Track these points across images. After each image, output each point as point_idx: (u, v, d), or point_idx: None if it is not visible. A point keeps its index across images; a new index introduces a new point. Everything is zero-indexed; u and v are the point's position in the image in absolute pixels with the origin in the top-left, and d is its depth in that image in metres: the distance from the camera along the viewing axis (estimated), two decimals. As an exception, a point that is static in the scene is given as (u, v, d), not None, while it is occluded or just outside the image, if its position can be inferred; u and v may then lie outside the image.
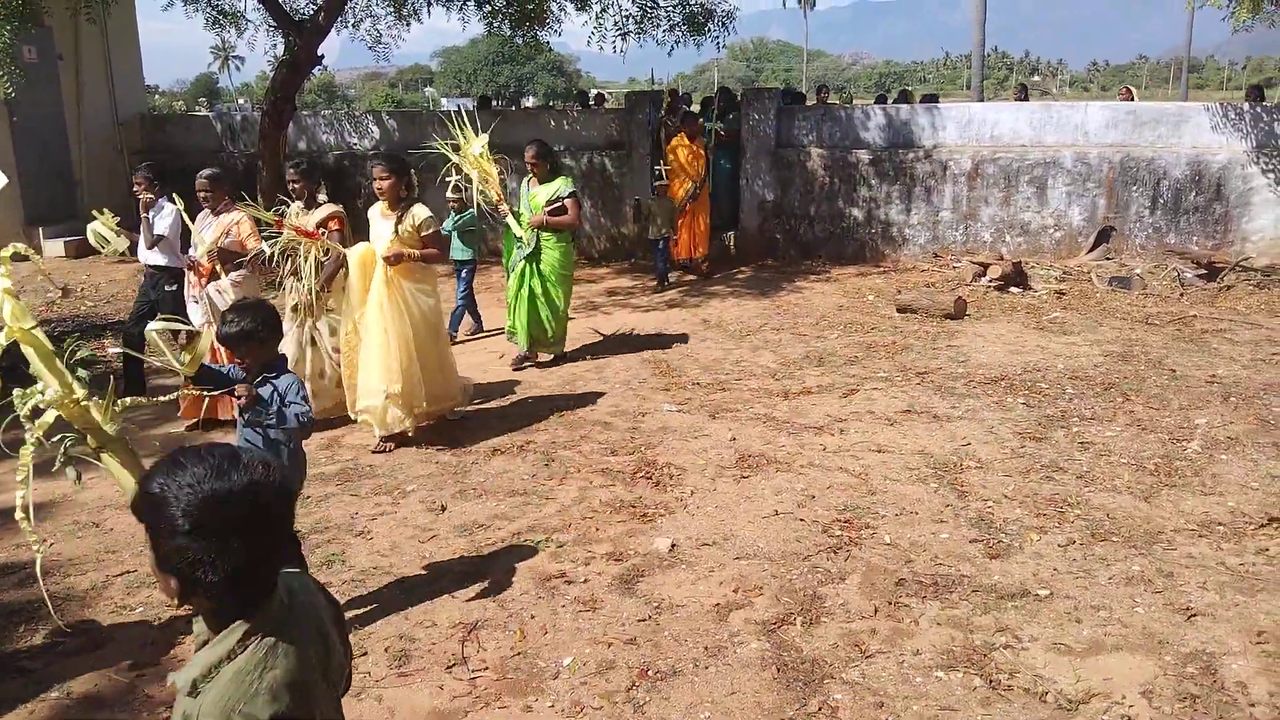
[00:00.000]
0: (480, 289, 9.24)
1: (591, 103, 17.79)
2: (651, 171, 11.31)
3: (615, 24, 11.98)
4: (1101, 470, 5.31)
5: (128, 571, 4.38)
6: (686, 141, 10.76)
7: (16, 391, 3.07)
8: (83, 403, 3.13)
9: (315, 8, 11.72)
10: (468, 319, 8.59)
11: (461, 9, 12.32)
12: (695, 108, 15.00)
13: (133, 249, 6.25)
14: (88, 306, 9.93)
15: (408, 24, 12.76)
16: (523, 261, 7.28)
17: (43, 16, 10.18)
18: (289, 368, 3.81)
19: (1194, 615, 3.85)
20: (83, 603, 4.12)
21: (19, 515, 3.05)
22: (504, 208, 7.12)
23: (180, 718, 1.60)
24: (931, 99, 14.26)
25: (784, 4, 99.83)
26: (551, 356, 7.59)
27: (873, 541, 4.52)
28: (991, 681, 3.44)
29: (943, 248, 11.20)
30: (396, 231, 5.75)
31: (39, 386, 3.09)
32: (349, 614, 3.97)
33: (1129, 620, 3.82)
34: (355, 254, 5.89)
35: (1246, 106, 10.46)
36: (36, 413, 3.08)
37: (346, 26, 12.61)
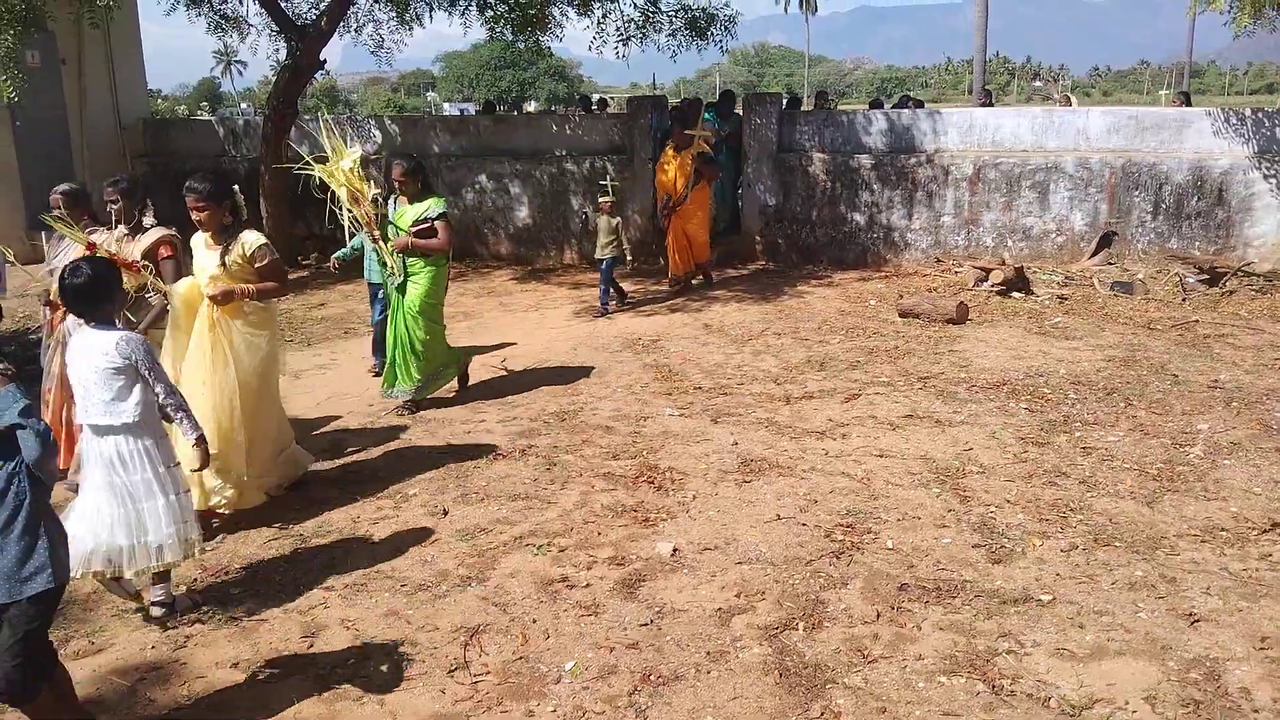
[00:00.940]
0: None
1: (594, 107, 17.82)
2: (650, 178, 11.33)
3: (617, 29, 12.01)
4: (1104, 475, 5.30)
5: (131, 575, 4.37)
6: (670, 154, 10.12)
7: None
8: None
9: (318, 12, 11.76)
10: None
11: (464, 14, 12.34)
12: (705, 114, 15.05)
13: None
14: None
15: (410, 29, 12.77)
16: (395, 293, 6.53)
17: (46, 21, 10.21)
18: None
19: (1197, 621, 3.84)
20: (85, 605, 4.12)
21: None
22: (375, 233, 6.35)
23: None
24: (918, 106, 14.31)
25: (785, 9, 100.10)
26: (409, 398, 6.57)
27: (875, 546, 4.52)
28: (994, 687, 3.44)
29: (945, 253, 11.20)
30: (224, 264, 4.82)
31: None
32: (351, 616, 3.97)
33: (1132, 626, 3.82)
34: (179, 290, 4.88)
35: (1249, 111, 10.45)
36: None
37: (349, 31, 12.64)
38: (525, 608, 4.03)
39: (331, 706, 3.40)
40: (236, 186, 5.06)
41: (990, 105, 17.22)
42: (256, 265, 4.90)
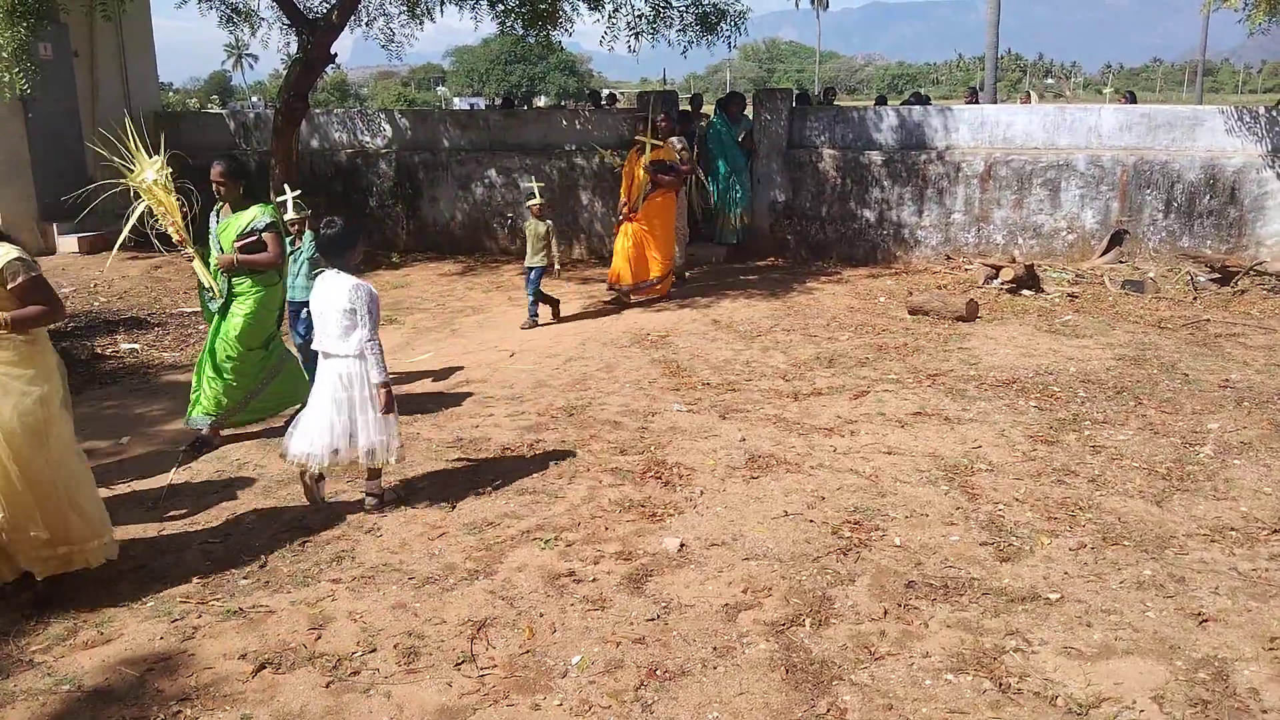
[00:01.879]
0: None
1: (604, 103, 17.81)
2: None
3: (628, 24, 12.00)
4: (1113, 474, 5.28)
5: (139, 566, 4.39)
6: (632, 157, 9.68)
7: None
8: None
9: (329, 6, 11.76)
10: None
11: (474, 8, 12.35)
12: (708, 108, 15.00)
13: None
14: (101, 302, 9.98)
15: (420, 23, 12.80)
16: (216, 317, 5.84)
17: (59, 14, 10.24)
18: None
19: (1206, 620, 3.83)
20: (93, 596, 4.13)
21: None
22: (189, 250, 5.70)
23: None
24: (924, 102, 14.26)
25: (797, 5, 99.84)
26: (208, 427, 5.83)
27: (882, 543, 4.51)
28: (1001, 685, 3.43)
29: (955, 250, 11.17)
30: None
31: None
32: (358, 609, 3.98)
33: (1140, 625, 3.80)
34: None
35: (1263, 110, 10.39)
36: None
37: (360, 25, 12.65)
38: (532, 602, 4.04)
39: (338, 699, 3.41)
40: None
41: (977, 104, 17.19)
42: (10, 286, 3.92)
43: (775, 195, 11.74)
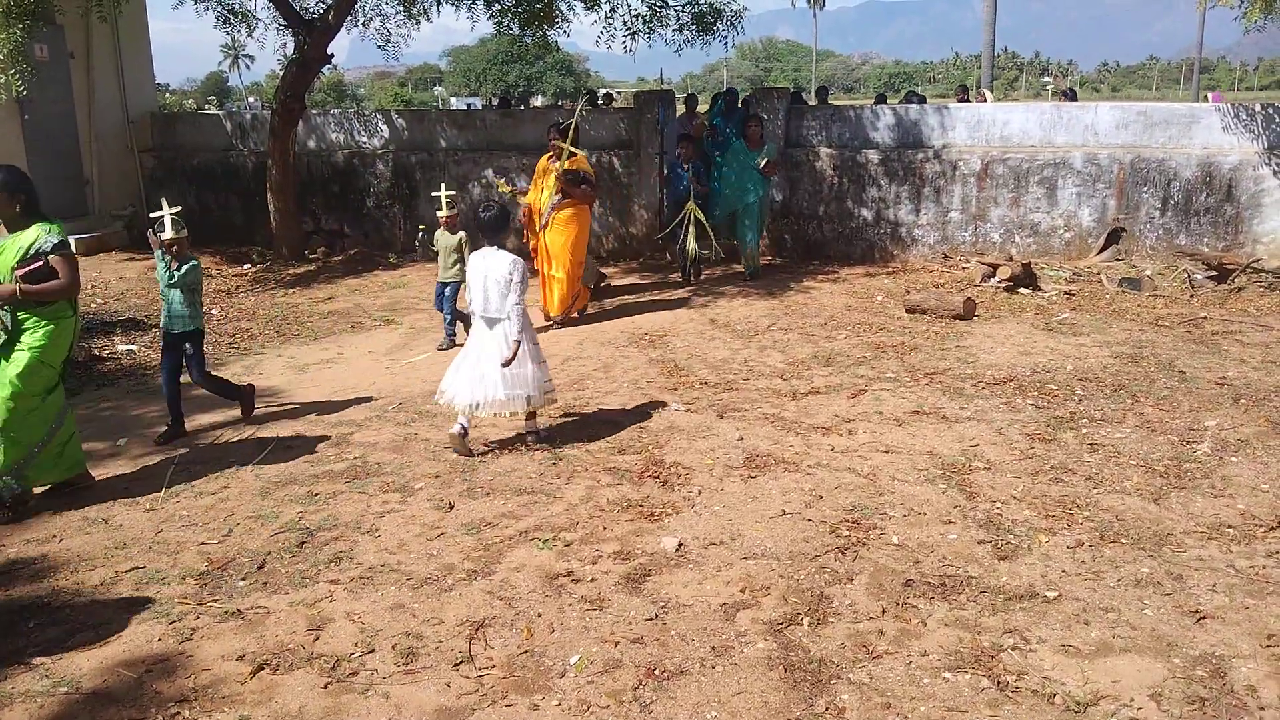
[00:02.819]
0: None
1: (600, 102, 17.81)
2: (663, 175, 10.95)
3: (624, 23, 12.01)
4: (1111, 472, 5.29)
5: (137, 567, 4.39)
6: (542, 165, 8.80)
7: None
8: None
9: (325, 6, 11.76)
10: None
11: (470, 8, 12.35)
12: (703, 106, 14.97)
13: None
14: (98, 304, 9.97)
15: (417, 23, 12.80)
16: None
17: (54, 15, 10.23)
18: None
19: (1203, 618, 3.83)
20: (92, 597, 4.13)
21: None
22: None
23: None
24: (920, 99, 14.24)
25: (793, 4, 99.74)
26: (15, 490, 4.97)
27: (880, 542, 4.51)
28: (999, 683, 3.43)
29: (952, 248, 11.18)
30: None
31: None
32: (356, 610, 3.98)
33: (1138, 622, 3.81)
34: None
35: (1259, 107, 10.40)
36: None
37: (356, 25, 12.65)
38: (530, 602, 4.04)
39: (337, 699, 3.41)
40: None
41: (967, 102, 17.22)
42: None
43: (772, 194, 11.74)
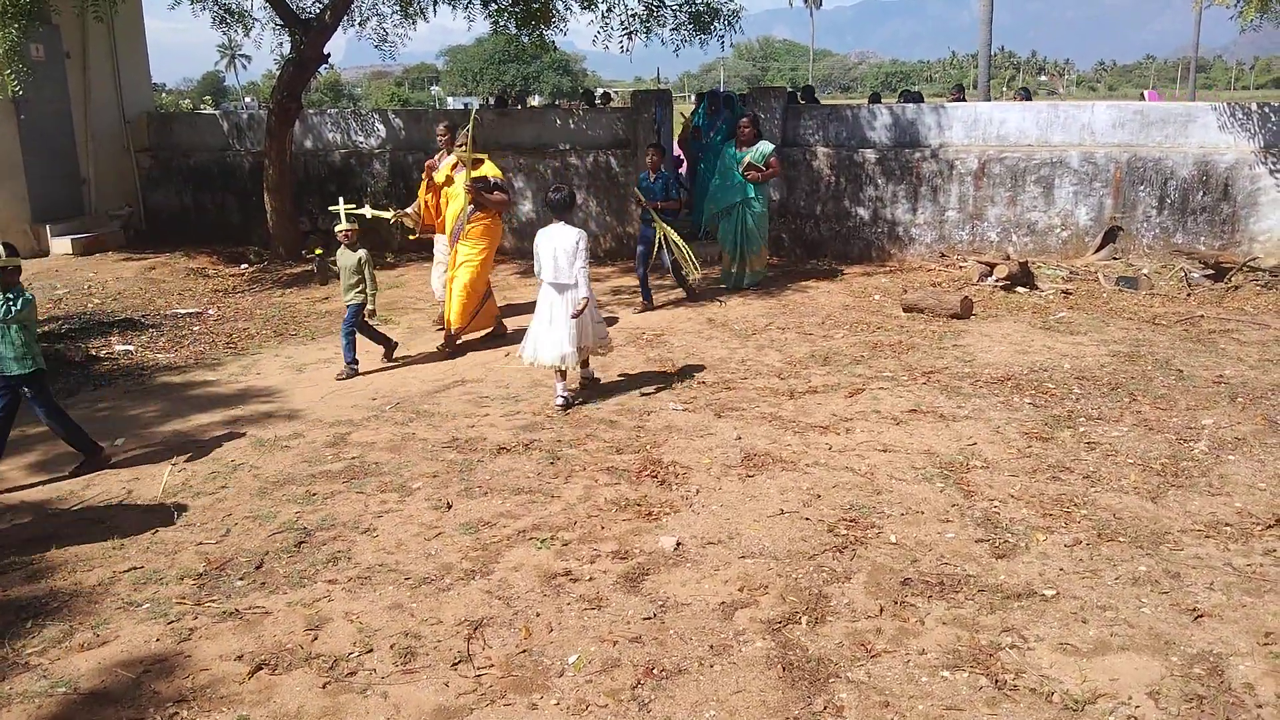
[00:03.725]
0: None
1: (598, 101, 17.80)
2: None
3: (621, 23, 11.98)
4: (1108, 470, 5.30)
5: (135, 568, 4.39)
6: (446, 167, 8.20)
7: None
8: None
9: (322, 6, 11.75)
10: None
11: (467, 7, 12.33)
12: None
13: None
14: (94, 304, 9.95)
15: (414, 23, 12.77)
16: None
17: (51, 15, 10.21)
18: None
19: (1201, 616, 3.84)
20: (90, 598, 4.13)
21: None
22: None
23: None
24: (917, 97, 14.22)
25: (790, 3, 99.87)
26: None
27: (878, 541, 4.52)
28: (997, 681, 3.44)
29: (949, 247, 11.18)
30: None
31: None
32: (355, 609, 3.98)
33: (1135, 621, 3.81)
34: None
35: (1255, 106, 10.42)
36: None
37: (353, 25, 12.63)
38: (529, 601, 4.04)
39: (335, 699, 3.41)
40: None
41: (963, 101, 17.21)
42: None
43: (770, 194, 11.74)
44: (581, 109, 13.82)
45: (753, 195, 9.72)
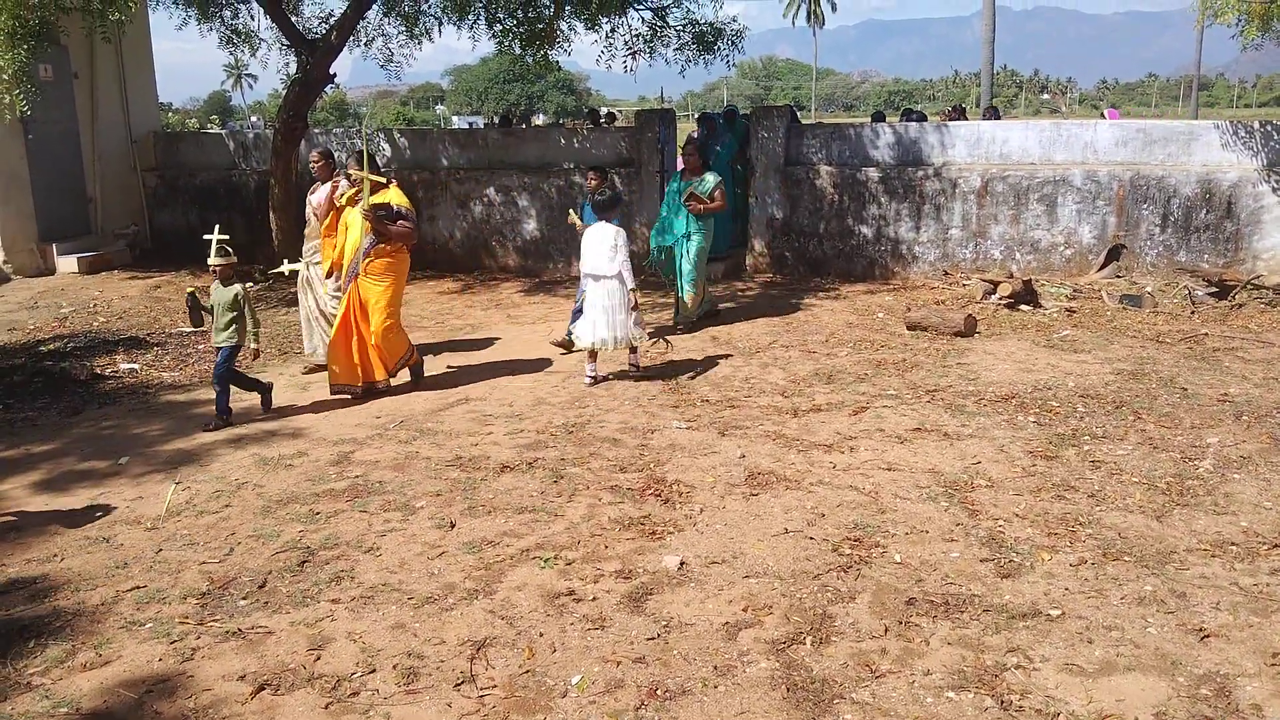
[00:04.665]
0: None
1: (603, 120, 17.87)
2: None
3: (625, 43, 12.05)
4: (1113, 489, 5.28)
5: (138, 587, 4.38)
6: (324, 198, 7.67)
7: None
8: None
9: (328, 27, 11.83)
10: None
11: (472, 28, 12.40)
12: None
13: None
14: (100, 322, 9.98)
15: (419, 43, 12.86)
16: None
17: (59, 36, 10.29)
18: None
19: (1207, 636, 3.82)
20: (93, 618, 4.12)
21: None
22: None
23: None
24: (919, 117, 14.19)
25: (793, 23, 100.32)
26: None
27: (883, 560, 4.50)
28: (1002, 702, 3.42)
29: (952, 265, 11.19)
30: None
31: None
32: (357, 629, 3.97)
33: (1141, 641, 3.79)
34: None
35: (1257, 124, 10.44)
36: None
37: (359, 45, 12.72)
38: (532, 621, 4.03)
39: (338, 719, 3.40)
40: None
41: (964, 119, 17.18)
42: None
43: (773, 212, 11.77)
44: (586, 128, 13.87)
45: (695, 229, 8.82)
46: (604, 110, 22.03)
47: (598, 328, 7.24)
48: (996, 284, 10.03)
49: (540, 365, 8.13)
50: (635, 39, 12.02)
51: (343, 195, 7.48)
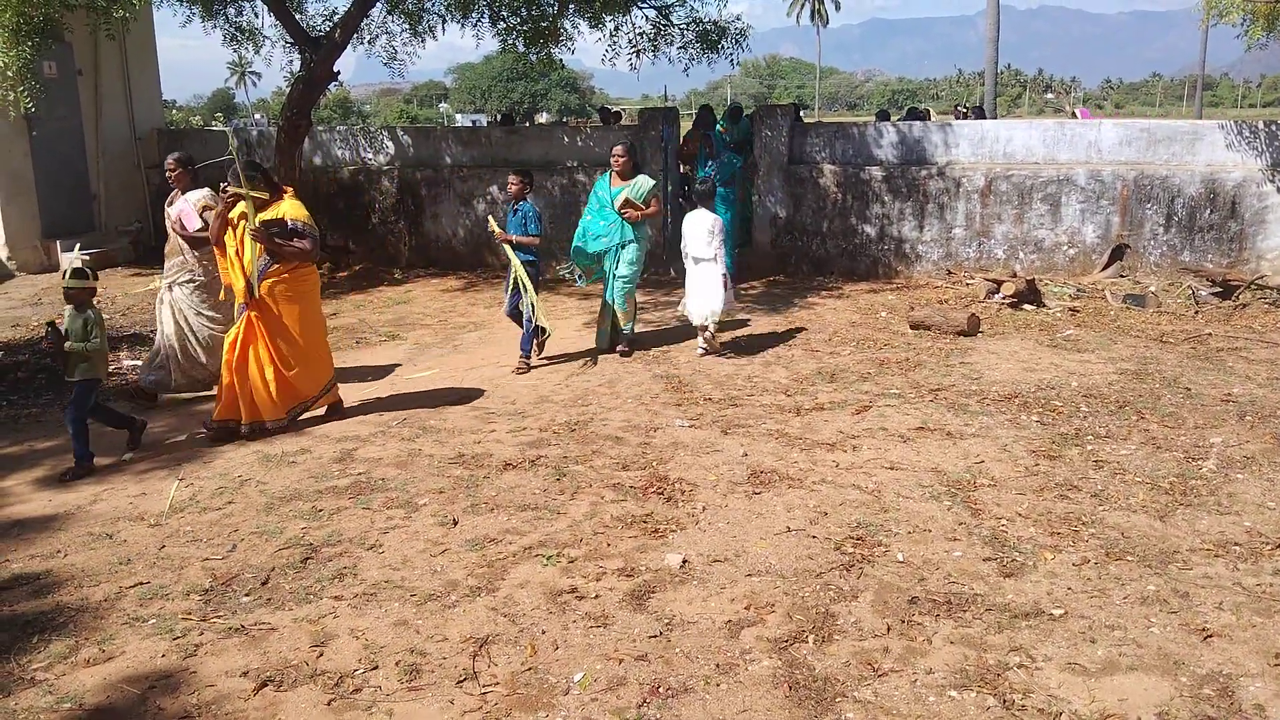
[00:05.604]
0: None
1: (612, 120, 17.86)
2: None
3: (629, 41, 12.04)
4: (1116, 489, 5.28)
5: (141, 583, 4.39)
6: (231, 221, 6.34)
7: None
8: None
9: (331, 24, 11.83)
10: None
11: (476, 26, 12.40)
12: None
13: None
14: (104, 319, 9.98)
15: (422, 41, 12.84)
16: None
17: (63, 33, 10.30)
18: None
19: (1210, 636, 3.81)
20: (96, 614, 4.13)
21: None
22: None
23: None
24: (924, 115, 14.16)
25: (798, 21, 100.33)
26: None
27: (885, 559, 4.50)
28: (1005, 701, 3.41)
29: (956, 264, 11.18)
30: None
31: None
32: (360, 626, 3.97)
33: (1144, 640, 3.79)
34: None
35: (1262, 124, 10.42)
36: None
37: (362, 43, 12.70)
38: (534, 618, 4.03)
39: (340, 716, 3.40)
40: None
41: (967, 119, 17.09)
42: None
43: (776, 211, 11.77)
44: (590, 126, 13.87)
45: (631, 238, 8.09)
46: (615, 109, 22.04)
47: (710, 301, 7.91)
48: (1000, 283, 10.02)
49: (542, 363, 8.13)
50: (639, 37, 12.02)
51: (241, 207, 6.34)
